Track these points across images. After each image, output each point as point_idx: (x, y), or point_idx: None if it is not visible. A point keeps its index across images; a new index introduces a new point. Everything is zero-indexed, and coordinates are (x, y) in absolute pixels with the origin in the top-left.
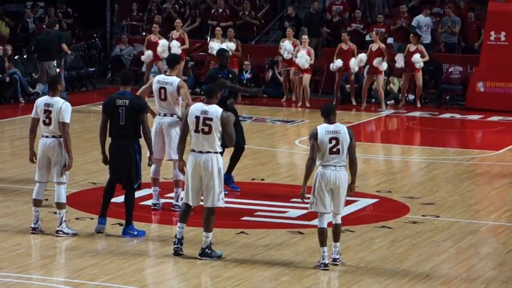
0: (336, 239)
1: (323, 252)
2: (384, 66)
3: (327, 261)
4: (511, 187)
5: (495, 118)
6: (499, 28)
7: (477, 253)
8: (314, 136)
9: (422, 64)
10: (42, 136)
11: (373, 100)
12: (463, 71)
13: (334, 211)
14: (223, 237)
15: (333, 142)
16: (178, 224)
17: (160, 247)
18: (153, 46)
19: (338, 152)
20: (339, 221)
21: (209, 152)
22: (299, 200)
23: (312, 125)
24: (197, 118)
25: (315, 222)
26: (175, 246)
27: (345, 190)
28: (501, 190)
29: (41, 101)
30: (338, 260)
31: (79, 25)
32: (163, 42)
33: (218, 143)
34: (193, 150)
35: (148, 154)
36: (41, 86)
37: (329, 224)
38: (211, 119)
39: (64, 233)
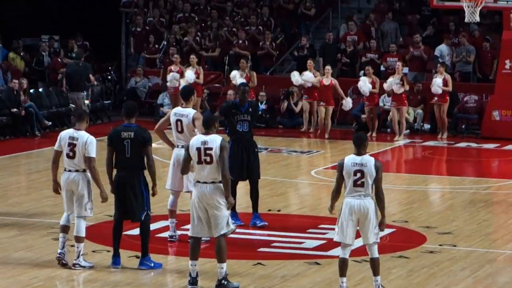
0: (375, 273)
1: (341, 282)
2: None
3: None
4: None
5: (511, 146)
6: None
7: (495, 283)
8: (340, 167)
9: (440, 91)
10: (65, 170)
11: (388, 130)
12: (478, 100)
13: (364, 241)
14: (240, 268)
15: (358, 175)
16: (190, 262)
17: (177, 279)
18: None
19: (362, 185)
20: (375, 255)
21: (213, 182)
22: (316, 230)
23: (328, 156)
24: (198, 149)
25: (332, 252)
26: (191, 286)
27: (372, 219)
28: None
29: (65, 134)
30: None
31: (94, 58)
32: (173, 74)
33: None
34: (198, 181)
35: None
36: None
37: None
38: (211, 149)
39: (81, 266)
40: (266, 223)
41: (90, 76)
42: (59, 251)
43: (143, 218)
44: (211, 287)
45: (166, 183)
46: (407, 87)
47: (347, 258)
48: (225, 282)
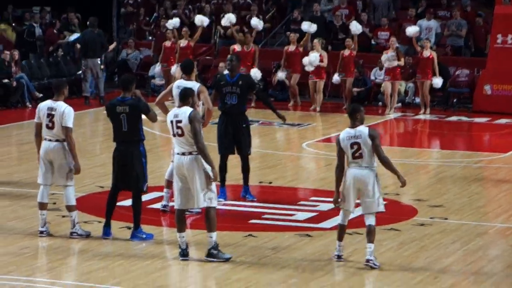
0: (369, 240)
1: (338, 245)
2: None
3: (340, 253)
4: None
5: (502, 120)
6: (506, 31)
7: (485, 255)
8: (337, 142)
9: (440, 85)
10: (45, 140)
11: (379, 103)
12: (470, 74)
13: (363, 211)
14: (231, 240)
15: (355, 147)
16: (178, 234)
17: (169, 250)
18: (168, 51)
19: (360, 156)
20: (372, 223)
21: (191, 153)
22: (307, 203)
23: (319, 129)
24: (171, 122)
25: (323, 225)
26: (182, 258)
27: (371, 189)
28: (509, 192)
29: (43, 105)
30: (370, 261)
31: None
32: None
33: None
34: (177, 153)
35: None
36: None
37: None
38: (181, 121)
39: (78, 234)
40: (255, 199)
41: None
42: (40, 229)
43: (145, 189)
44: (203, 258)
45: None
46: (402, 62)
47: (344, 225)
48: (215, 252)
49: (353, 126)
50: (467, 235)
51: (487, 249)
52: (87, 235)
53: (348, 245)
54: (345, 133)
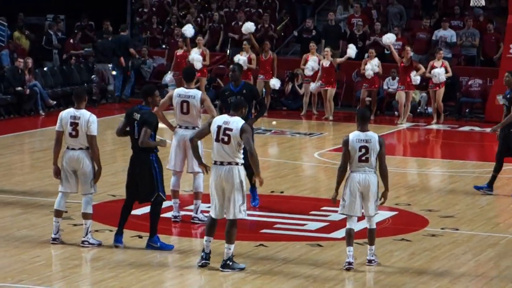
0: (371, 242)
1: (348, 251)
2: (417, 79)
3: (351, 260)
4: None
5: None
6: None
7: (497, 266)
8: (345, 143)
9: (443, 78)
10: (68, 148)
11: (395, 113)
12: (482, 84)
13: (365, 213)
14: (242, 249)
15: (363, 150)
16: (205, 238)
17: (180, 260)
18: (180, 59)
19: (367, 160)
20: (373, 226)
21: (230, 163)
22: (318, 212)
23: (331, 138)
24: (219, 127)
25: (334, 234)
26: (204, 261)
27: (375, 193)
28: None
29: (66, 113)
30: (373, 262)
31: (99, 38)
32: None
33: (239, 154)
34: (215, 163)
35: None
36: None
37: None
38: (231, 130)
39: (89, 243)
40: (257, 205)
41: (131, 50)
42: (53, 236)
43: (152, 200)
44: (213, 267)
45: (168, 163)
46: (421, 71)
47: (353, 229)
48: (230, 263)
49: (363, 130)
50: (479, 245)
51: (498, 260)
52: (98, 244)
53: (360, 255)
54: (355, 135)
